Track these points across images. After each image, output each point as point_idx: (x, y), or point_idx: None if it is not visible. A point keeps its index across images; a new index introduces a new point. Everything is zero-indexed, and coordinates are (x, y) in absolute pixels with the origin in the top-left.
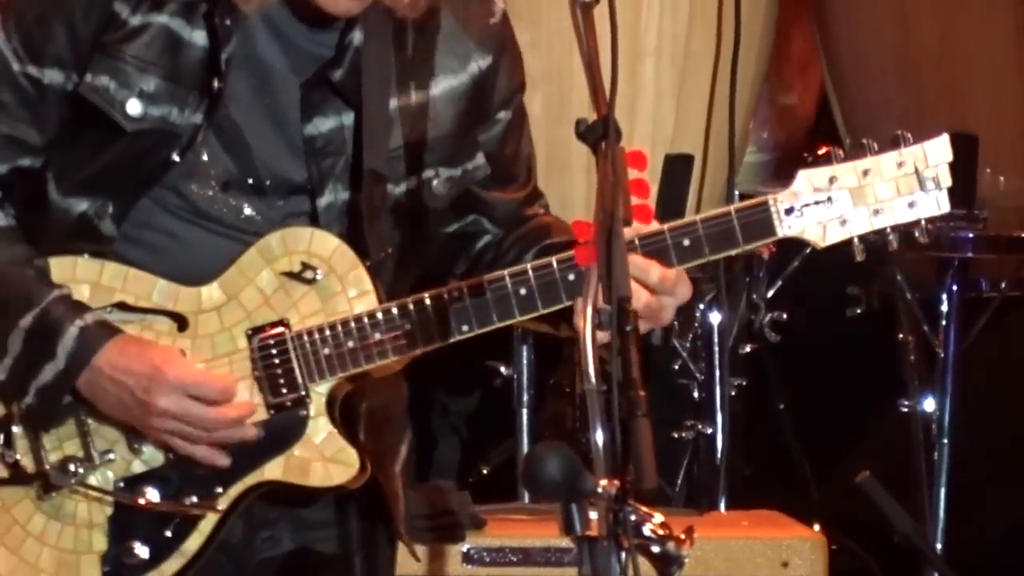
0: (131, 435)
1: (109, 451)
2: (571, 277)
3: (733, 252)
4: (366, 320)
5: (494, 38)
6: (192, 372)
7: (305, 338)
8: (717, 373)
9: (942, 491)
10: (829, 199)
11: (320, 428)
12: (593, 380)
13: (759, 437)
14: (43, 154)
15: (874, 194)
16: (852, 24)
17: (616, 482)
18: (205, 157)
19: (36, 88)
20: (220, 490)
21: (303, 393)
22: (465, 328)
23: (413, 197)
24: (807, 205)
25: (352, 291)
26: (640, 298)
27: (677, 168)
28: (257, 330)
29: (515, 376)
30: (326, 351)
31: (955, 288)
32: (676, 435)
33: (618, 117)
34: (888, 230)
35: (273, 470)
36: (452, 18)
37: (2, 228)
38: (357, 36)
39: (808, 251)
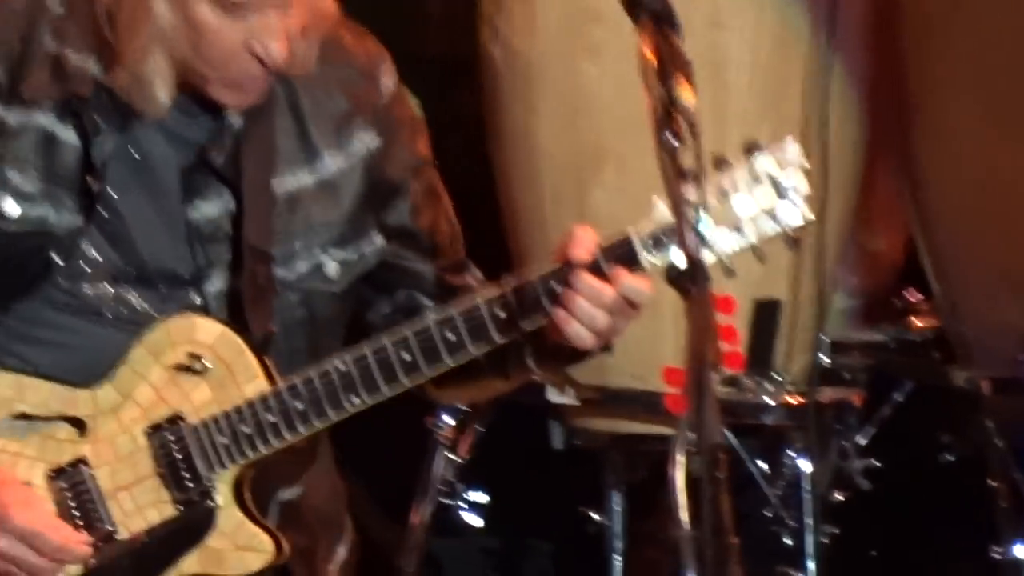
0: None
1: None
2: (450, 336)
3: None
4: (257, 404)
5: (383, 118)
6: (33, 522)
7: (201, 430)
8: (808, 521)
9: None
10: None
11: (230, 517)
12: (686, 527)
13: None
14: None
15: (733, 211)
16: (935, 165)
17: None
18: (90, 252)
19: None
20: None
21: (208, 484)
22: (355, 399)
23: (309, 280)
24: (670, 234)
25: (241, 376)
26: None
27: (766, 314)
28: (155, 427)
29: (607, 523)
30: (223, 440)
31: None
32: None
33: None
34: (755, 248)
35: (190, 564)
36: (334, 99)
37: None
38: (236, 119)
39: (899, 398)
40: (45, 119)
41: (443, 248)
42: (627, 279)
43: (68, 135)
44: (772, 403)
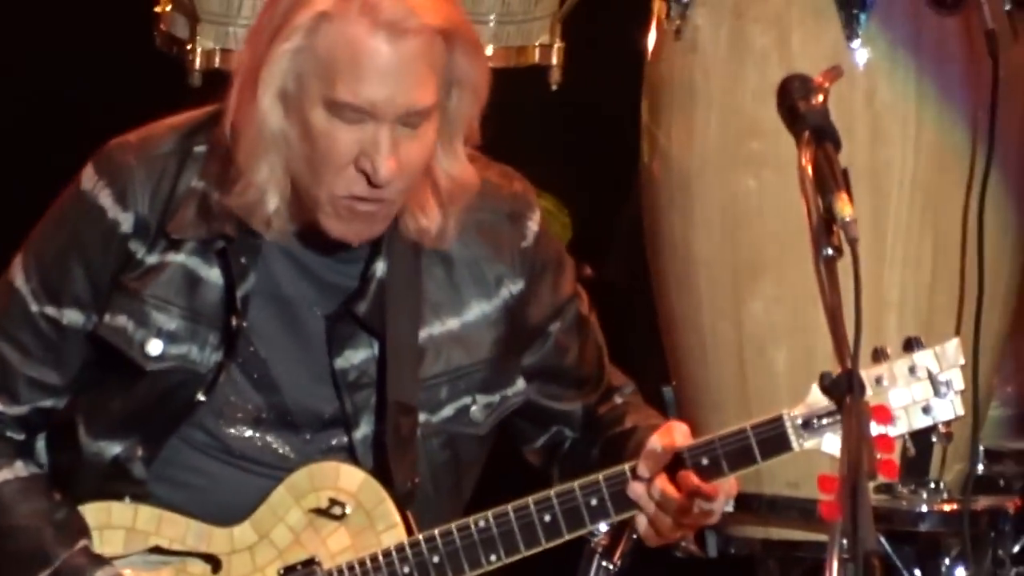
0: None
1: None
2: (593, 502)
3: (751, 468)
4: (394, 554)
5: (527, 261)
6: None
7: (335, 575)
8: None
9: None
10: None
11: None
12: None
13: None
14: (66, 395)
15: (888, 402)
16: None
17: None
18: (233, 395)
19: (55, 329)
20: None
21: None
22: (493, 557)
23: (453, 424)
24: (822, 418)
25: (380, 525)
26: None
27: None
28: (289, 569)
29: None
30: None
31: None
32: None
33: (862, 371)
34: (906, 437)
35: None
36: (480, 244)
37: (23, 479)
38: (380, 267)
39: None
40: (187, 258)
41: (590, 380)
42: (699, 487)
43: (210, 273)
44: (927, 511)
